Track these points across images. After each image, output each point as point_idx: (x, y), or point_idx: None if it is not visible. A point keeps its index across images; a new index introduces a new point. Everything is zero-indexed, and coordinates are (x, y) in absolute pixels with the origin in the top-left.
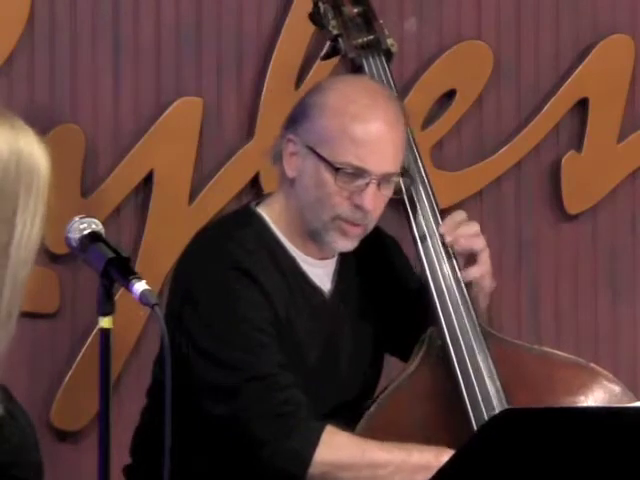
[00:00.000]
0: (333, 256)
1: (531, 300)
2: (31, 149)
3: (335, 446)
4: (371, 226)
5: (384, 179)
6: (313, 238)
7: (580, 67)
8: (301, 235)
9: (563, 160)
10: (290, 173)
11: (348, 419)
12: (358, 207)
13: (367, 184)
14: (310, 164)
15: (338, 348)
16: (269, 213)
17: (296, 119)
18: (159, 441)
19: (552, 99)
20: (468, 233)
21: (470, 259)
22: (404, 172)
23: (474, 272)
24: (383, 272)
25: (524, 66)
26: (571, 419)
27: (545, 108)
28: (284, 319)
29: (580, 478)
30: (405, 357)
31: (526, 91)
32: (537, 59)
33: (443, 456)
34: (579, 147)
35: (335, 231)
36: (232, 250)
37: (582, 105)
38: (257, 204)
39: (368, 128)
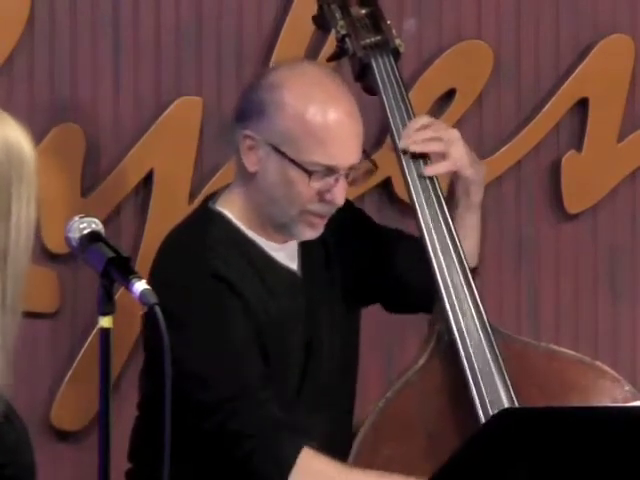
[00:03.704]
0: None
1: (531, 300)
2: (17, 137)
3: (311, 471)
4: (334, 211)
5: (349, 170)
6: (278, 228)
7: (580, 67)
8: (264, 224)
9: (563, 160)
10: (251, 168)
11: (334, 391)
12: (328, 202)
13: (336, 179)
14: (274, 162)
15: (317, 320)
16: (229, 209)
17: (250, 114)
18: (155, 448)
19: (552, 99)
20: (423, 137)
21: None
22: (365, 156)
23: (436, 168)
24: (341, 229)
25: (524, 66)
26: (572, 419)
27: (545, 108)
28: (263, 318)
29: (581, 478)
30: (386, 305)
31: (526, 91)
32: (537, 59)
33: None
34: (579, 147)
35: (303, 224)
36: (207, 259)
37: (582, 105)
38: (214, 202)
39: (332, 125)
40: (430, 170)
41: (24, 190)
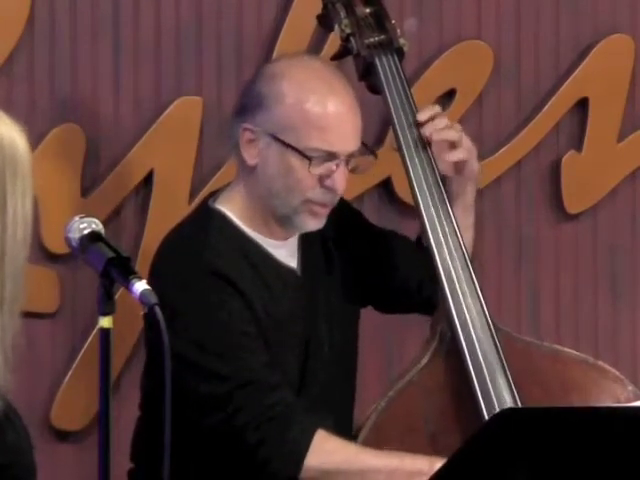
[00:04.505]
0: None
1: (531, 300)
2: (11, 134)
3: (326, 452)
4: (336, 201)
5: (349, 157)
6: (280, 221)
7: (580, 67)
8: (265, 220)
9: (563, 160)
10: (250, 161)
11: (334, 385)
12: (329, 189)
13: (337, 165)
14: (274, 151)
15: (317, 318)
16: (229, 207)
17: (249, 108)
18: (157, 448)
19: (552, 99)
20: (440, 126)
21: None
22: (364, 146)
23: (455, 154)
24: (341, 229)
25: (524, 66)
26: (573, 419)
27: (545, 108)
28: (263, 316)
29: (582, 478)
30: (381, 307)
31: (526, 91)
32: (537, 59)
33: (436, 465)
34: (579, 147)
35: (305, 213)
36: (207, 257)
37: (582, 105)
38: (214, 200)
39: (330, 115)
40: (452, 156)
41: (19, 186)
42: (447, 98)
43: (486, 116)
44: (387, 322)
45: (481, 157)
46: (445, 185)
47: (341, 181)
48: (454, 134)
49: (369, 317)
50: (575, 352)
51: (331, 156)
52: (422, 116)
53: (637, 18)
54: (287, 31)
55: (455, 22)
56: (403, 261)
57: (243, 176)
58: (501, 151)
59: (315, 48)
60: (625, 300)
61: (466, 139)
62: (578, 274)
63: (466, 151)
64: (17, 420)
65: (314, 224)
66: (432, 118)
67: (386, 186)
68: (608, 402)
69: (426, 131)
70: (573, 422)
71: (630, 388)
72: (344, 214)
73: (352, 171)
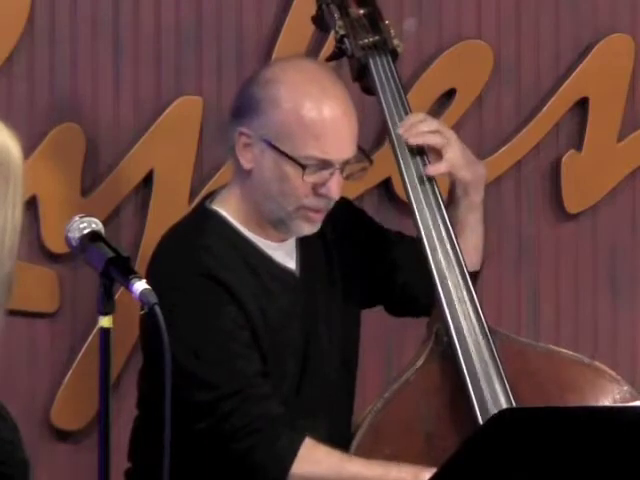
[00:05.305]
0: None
1: (531, 299)
2: (4, 139)
3: (312, 461)
4: (332, 206)
5: (344, 164)
6: (275, 225)
7: (580, 67)
8: (261, 222)
9: (563, 160)
10: (246, 165)
11: (334, 389)
12: (324, 196)
13: (331, 174)
14: (269, 158)
15: (316, 319)
16: (226, 208)
17: (245, 112)
18: (153, 447)
19: (552, 99)
20: (422, 130)
21: (437, 156)
22: (360, 151)
23: (437, 168)
24: (341, 230)
25: (524, 66)
26: (570, 419)
27: (545, 108)
28: (260, 320)
29: (580, 478)
30: (388, 306)
31: (526, 91)
32: (537, 59)
33: (422, 475)
34: (579, 147)
35: (300, 219)
36: (203, 259)
37: (582, 105)
38: (211, 201)
39: (327, 121)
40: (430, 170)
41: (10, 193)
42: (447, 98)
43: (486, 116)
44: (387, 322)
45: (481, 157)
46: (450, 185)
47: (335, 189)
48: (434, 139)
49: (369, 317)
50: (571, 352)
51: (326, 164)
52: (401, 129)
53: (637, 18)
54: (287, 31)
55: (455, 22)
56: (409, 262)
57: (239, 179)
58: (501, 151)
59: (315, 48)
60: (625, 300)
61: (452, 148)
62: (578, 274)
63: (446, 165)
64: (8, 417)
65: (309, 229)
66: (412, 125)
67: (386, 186)
68: (604, 402)
69: (409, 138)
70: (570, 422)
71: (626, 388)
72: (345, 212)
73: (347, 178)
